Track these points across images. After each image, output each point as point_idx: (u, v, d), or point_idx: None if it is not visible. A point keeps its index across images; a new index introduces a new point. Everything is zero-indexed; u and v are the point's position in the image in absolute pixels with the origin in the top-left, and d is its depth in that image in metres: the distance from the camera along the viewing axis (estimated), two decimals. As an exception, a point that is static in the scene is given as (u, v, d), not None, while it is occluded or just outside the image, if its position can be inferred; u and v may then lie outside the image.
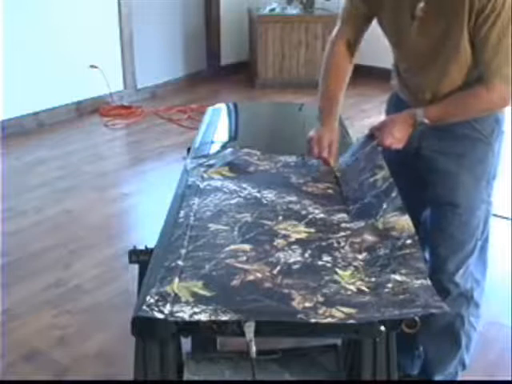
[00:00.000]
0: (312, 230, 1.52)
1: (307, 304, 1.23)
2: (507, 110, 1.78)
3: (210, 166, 1.86)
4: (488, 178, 1.81)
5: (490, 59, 1.61)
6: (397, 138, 1.74)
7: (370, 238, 1.48)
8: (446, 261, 1.84)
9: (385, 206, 1.59)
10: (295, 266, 1.37)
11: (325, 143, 1.81)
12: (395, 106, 1.93)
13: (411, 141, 1.76)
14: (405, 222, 1.52)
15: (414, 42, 1.71)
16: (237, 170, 1.84)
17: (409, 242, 1.44)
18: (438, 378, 2.04)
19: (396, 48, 1.83)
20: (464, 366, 2.04)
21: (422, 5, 1.64)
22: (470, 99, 1.70)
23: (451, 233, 1.82)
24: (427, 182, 1.85)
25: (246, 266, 1.35)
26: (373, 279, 1.32)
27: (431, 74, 1.74)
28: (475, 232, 1.84)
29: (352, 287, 1.30)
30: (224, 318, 1.18)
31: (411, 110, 1.75)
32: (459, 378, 2.06)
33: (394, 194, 1.63)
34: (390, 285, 1.29)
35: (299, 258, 1.40)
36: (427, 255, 1.92)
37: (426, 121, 1.71)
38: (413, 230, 1.48)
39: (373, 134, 1.80)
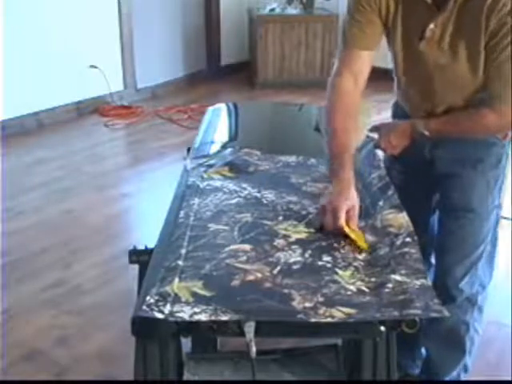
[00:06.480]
0: (312, 230, 1.52)
1: (307, 304, 1.23)
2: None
3: (210, 166, 1.86)
4: (501, 182, 1.80)
5: (497, 83, 1.58)
6: (392, 145, 1.77)
7: (369, 238, 1.48)
8: (454, 266, 1.82)
9: (381, 203, 1.60)
10: (295, 266, 1.36)
11: (342, 213, 1.47)
12: (400, 112, 1.92)
13: (423, 148, 1.77)
14: (402, 219, 1.52)
15: (419, 64, 1.67)
16: (237, 169, 1.84)
17: (408, 240, 1.44)
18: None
19: (401, 69, 1.78)
20: (466, 370, 2.03)
21: (431, 26, 1.60)
22: (474, 117, 1.67)
23: (463, 237, 1.81)
24: (440, 187, 1.84)
25: (246, 266, 1.35)
26: (373, 279, 1.32)
27: (433, 93, 1.72)
28: (486, 237, 1.82)
29: (352, 287, 1.30)
30: (224, 318, 1.18)
31: (412, 121, 1.76)
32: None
33: (390, 192, 1.64)
34: (390, 285, 1.29)
35: (299, 258, 1.39)
36: (433, 260, 1.91)
37: (427, 133, 1.71)
38: (411, 227, 1.48)
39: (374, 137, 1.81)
